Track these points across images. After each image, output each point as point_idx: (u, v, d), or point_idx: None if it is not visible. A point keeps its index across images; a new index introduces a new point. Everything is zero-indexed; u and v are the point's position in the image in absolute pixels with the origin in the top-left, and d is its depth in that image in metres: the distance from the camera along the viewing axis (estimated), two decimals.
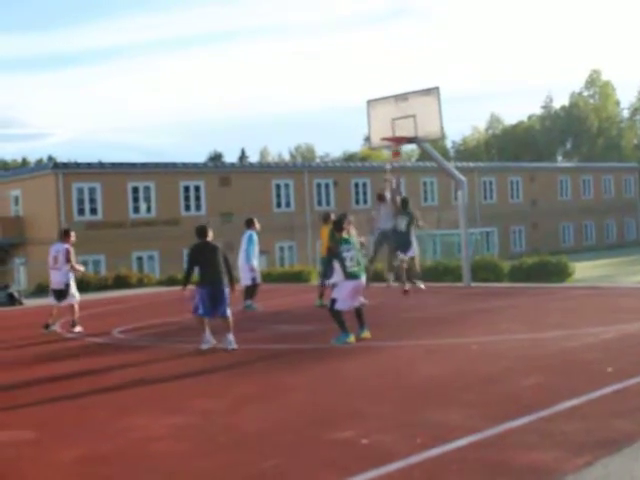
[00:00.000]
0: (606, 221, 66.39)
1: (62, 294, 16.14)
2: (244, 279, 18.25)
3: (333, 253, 12.33)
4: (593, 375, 8.60)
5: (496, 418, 6.90)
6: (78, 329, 15.74)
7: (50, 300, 16.57)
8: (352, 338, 12.01)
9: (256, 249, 18.60)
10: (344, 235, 12.45)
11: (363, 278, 12.39)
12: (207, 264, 12.42)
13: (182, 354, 12.09)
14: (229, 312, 12.36)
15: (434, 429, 6.73)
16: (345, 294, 12.12)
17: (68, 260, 16.05)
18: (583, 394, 7.62)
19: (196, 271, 12.57)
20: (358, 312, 12.40)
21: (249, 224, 18.64)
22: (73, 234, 16.66)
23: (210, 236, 12.63)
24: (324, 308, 14.43)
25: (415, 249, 18.88)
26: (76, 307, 16.06)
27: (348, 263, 12.07)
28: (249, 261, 18.41)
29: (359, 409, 7.70)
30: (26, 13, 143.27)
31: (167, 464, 6.27)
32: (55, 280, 16.21)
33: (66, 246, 16.21)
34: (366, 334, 12.33)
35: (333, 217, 16.24)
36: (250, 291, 18.37)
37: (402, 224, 18.50)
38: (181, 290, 12.76)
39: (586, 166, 69.87)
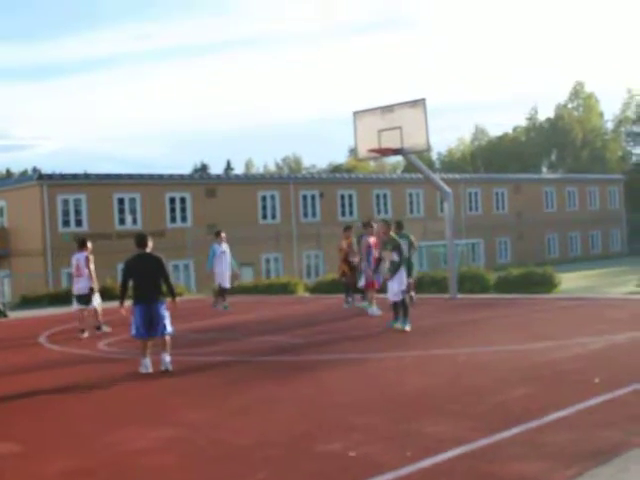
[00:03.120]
0: (591, 232, 66.63)
1: (87, 299, 17.36)
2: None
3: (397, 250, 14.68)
4: (581, 386, 8.61)
5: (485, 429, 6.88)
6: (105, 329, 17.45)
7: (74, 306, 17.80)
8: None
9: (221, 258, 21.78)
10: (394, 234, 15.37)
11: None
12: (141, 279, 11.50)
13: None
14: (169, 330, 11.57)
15: (423, 440, 6.71)
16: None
17: (88, 266, 17.30)
18: (571, 405, 7.63)
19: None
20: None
21: (215, 235, 22.35)
22: (90, 244, 17.82)
23: (150, 247, 11.79)
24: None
25: (414, 273, 19.09)
26: (99, 310, 17.58)
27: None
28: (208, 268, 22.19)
29: (347, 421, 7.66)
30: (10, 23, 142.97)
31: (155, 478, 6.22)
32: (79, 286, 17.46)
33: (85, 254, 17.44)
34: (397, 326, 14.61)
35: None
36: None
37: (405, 249, 17.81)
38: (118, 308, 11.81)
39: (571, 177, 70.16)
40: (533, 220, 61.20)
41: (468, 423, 7.24)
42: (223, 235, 21.91)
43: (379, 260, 15.65)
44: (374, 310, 17.43)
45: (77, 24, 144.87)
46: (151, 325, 11.45)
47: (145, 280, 11.53)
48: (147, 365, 11.48)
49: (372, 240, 17.84)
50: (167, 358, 11.50)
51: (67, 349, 15.04)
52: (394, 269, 14.53)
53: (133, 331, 11.62)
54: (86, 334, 16.89)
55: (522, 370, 9.80)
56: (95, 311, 17.48)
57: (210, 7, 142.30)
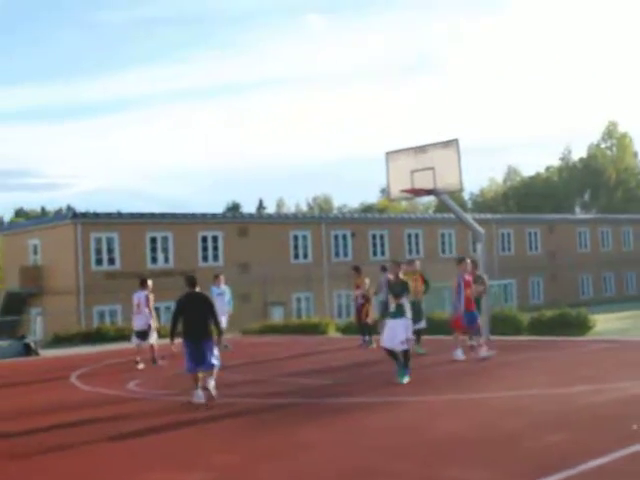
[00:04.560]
0: (626, 273, 65.85)
1: (145, 334, 18.55)
2: None
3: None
4: (620, 432, 8.39)
5: (521, 476, 6.72)
6: (161, 363, 18.21)
7: (134, 341, 19.07)
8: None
9: (217, 300, 20.55)
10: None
11: (394, 320, 13.47)
12: (192, 316, 12.33)
13: (196, 408, 11.89)
14: (216, 363, 12.39)
15: None
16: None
17: (147, 305, 18.50)
18: (611, 452, 7.42)
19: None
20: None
21: (214, 278, 21.96)
22: (150, 282, 18.98)
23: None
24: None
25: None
26: (156, 346, 18.54)
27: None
28: None
29: (381, 466, 7.52)
30: (44, 63, 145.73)
31: None
32: (139, 323, 18.70)
33: (145, 293, 18.66)
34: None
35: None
36: None
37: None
38: (169, 345, 12.81)
39: (605, 218, 69.56)
40: (566, 260, 60.66)
41: (504, 470, 7.06)
42: (221, 277, 22.09)
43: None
44: (458, 353, 16.44)
45: (108, 65, 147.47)
46: (200, 360, 12.22)
47: (195, 318, 12.33)
48: (200, 395, 12.09)
49: (466, 277, 16.82)
50: (212, 383, 12.21)
51: (97, 389, 14.99)
52: (400, 313, 13.49)
53: (187, 366, 12.41)
54: (141, 365, 18.05)
55: (559, 415, 9.60)
56: (152, 347, 18.50)
57: (239, 48, 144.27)
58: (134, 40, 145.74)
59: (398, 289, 13.65)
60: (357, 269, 21.54)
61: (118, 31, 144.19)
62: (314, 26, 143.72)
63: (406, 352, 13.48)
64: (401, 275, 14.09)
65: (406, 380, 13.28)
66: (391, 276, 14.35)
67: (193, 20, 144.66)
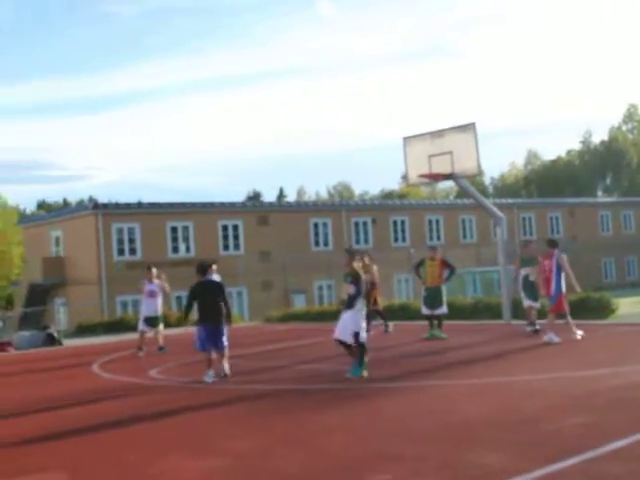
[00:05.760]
0: None
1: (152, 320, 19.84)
2: None
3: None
4: (639, 414, 8.34)
5: (541, 459, 6.66)
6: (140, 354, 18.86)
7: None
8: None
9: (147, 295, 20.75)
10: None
11: (345, 311, 13.09)
12: (206, 302, 13.26)
13: (216, 394, 11.95)
14: (226, 344, 13.45)
15: (476, 471, 6.52)
16: None
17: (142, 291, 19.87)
18: (630, 434, 7.36)
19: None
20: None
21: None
22: (154, 271, 20.15)
23: (214, 270, 14.40)
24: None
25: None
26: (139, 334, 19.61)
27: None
28: None
29: (399, 451, 7.49)
30: (59, 58, 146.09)
31: None
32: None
33: (144, 280, 19.98)
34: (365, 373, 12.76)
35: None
36: None
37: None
38: (185, 329, 13.52)
39: (627, 201, 69.02)
40: (589, 244, 60.24)
41: (523, 453, 7.02)
42: (154, 271, 20.58)
43: None
44: (553, 337, 15.92)
45: (128, 56, 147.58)
46: (213, 342, 13.24)
47: (209, 303, 13.23)
48: (211, 375, 13.16)
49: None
50: (226, 365, 13.44)
51: (119, 377, 15.08)
52: (349, 304, 13.00)
53: (198, 346, 13.38)
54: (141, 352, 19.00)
55: (580, 397, 9.55)
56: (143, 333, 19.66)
57: (253, 38, 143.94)
58: (148, 32, 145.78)
59: (347, 279, 13.17)
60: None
61: (132, 23, 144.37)
62: (325, 13, 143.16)
63: (361, 345, 12.86)
64: (355, 265, 13.33)
65: (365, 374, 12.63)
66: (345, 265, 13.54)
67: (206, 10, 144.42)
